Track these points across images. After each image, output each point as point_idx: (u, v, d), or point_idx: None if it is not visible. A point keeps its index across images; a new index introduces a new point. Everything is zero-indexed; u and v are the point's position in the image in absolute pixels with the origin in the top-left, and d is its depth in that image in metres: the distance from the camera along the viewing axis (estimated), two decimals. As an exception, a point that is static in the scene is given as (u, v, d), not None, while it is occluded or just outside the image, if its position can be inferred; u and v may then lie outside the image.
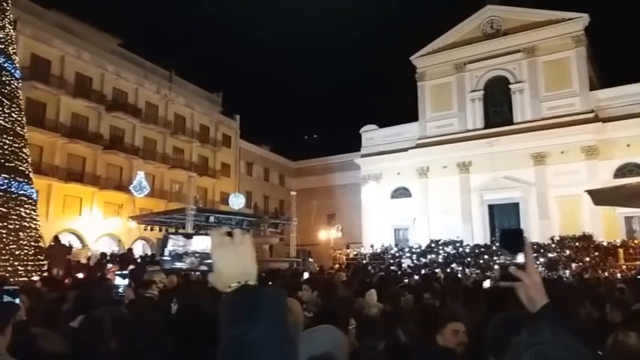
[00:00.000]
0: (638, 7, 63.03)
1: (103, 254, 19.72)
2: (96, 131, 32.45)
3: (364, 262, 30.31)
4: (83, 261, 20.12)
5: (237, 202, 34.53)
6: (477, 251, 29.04)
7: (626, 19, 66.83)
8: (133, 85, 35.50)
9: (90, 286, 7.45)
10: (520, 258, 1.46)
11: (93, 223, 31.41)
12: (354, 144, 41.22)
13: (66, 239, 20.40)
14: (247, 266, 1.15)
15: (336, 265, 28.79)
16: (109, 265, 15.48)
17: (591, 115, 30.69)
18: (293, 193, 32.43)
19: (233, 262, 1.14)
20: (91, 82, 32.84)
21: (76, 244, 29.69)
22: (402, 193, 37.87)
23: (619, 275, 21.00)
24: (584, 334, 1.60)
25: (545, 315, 1.36)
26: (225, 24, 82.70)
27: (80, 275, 13.61)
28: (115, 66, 34.23)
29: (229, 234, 1.18)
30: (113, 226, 31.91)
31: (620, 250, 25.74)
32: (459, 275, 17.40)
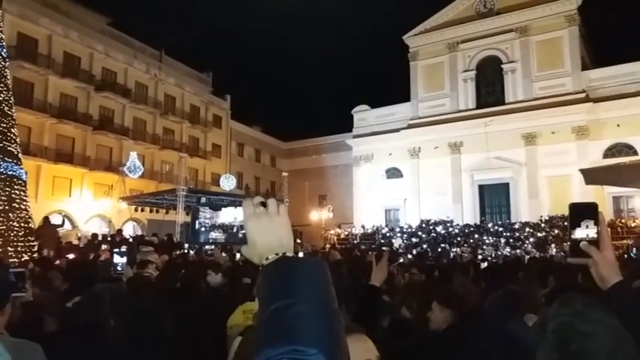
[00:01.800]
0: (629, -14, 62.84)
1: (95, 235, 19.61)
2: (85, 112, 32.06)
3: (355, 242, 30.51)
4: (74, 242, 20.03)
5: (228, 183, 34.42)
6: (466, 231, 29.35)
7: (617, -1, 66.63)
8: (122, 65, 35.00)
9: (85, 266, 7.42)
10: (579, 232, 1.38)
11: (83, 205, 31.22)
12: (346, 125, 41.15)
13: (58, 219, 20.25)
14: (284, 237, 1.09)
15: (327, 245, 28.92)
16: (103, 246, 15.39)
17: (582, 95, 30.78)
18: (284, 174, 32.46)
19: (269, 233, 1.08)
20: (80, 62, 32.32)
21: (66, 225, 29.56)
22: (393, 173, 37.97)
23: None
24: None
25: (616, 294, 1.29)
26: (216, 2, 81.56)
27: (71, 256, 13.55)
28: (104, 45, 33.67)
29: (263, 204, 1.12)
30: (103, 208, 31.76)
31: (608, 229, 26.06)
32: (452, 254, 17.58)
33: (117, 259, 5.66)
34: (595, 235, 1.37)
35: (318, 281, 0.98)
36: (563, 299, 1.24)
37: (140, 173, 28.98)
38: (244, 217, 1.11)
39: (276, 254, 1.05)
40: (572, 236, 1.40)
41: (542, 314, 1.26)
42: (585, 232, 1.38)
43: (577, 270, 6.84)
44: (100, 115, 33.06)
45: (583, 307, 1.17)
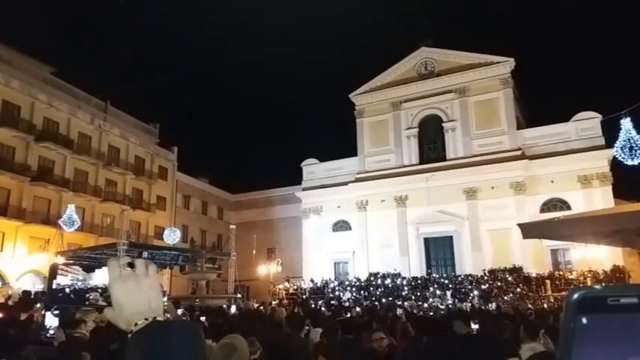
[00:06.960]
0: (558, 54, 68.46)
1: (26, 292, 18.43)
2: (23, 162, 30.79)
3: (304, 296, 30.07)
4: (2, 300, 18.71)
5: (172, 236, 33.48)
6: (413, 284, 29.60)
7: (548, 65, 72.16)
8: (65, 115, 34.13)
9: (13, 327, 6.93)
10: None
11: (16, 260, 29.45)
12: (295, 177, 41.42)
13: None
14: (153, 301, 1.05)
15: (275, 301, 28.30)
16: (37, 305, 14.38)
17: (518, 152, 32.48)
18: (232, 226, 31.93)
19: (137, 296, 1.03)
20: (20, 111, 31.29)
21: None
22: (342, 226, 38.21)
23: (545, 306, 21.92)
24: None
25: None
26: (164, 53, 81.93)
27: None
28: (46, 95, 32.84)
29: (130, 265, 1.07)
30: (38, 263, 29.99)
31: (548, 282, 27.01)
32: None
33: (49, 320, 5.30)
34: None
35: (194, 345, 0.97)
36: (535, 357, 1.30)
37: (76, 227, 27.83)
38: (109, 280, 1.05)
39: (146, 319, 1.01)
40: None
41: None
42: None
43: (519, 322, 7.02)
44: (39, 166, 31.81)
45: None
